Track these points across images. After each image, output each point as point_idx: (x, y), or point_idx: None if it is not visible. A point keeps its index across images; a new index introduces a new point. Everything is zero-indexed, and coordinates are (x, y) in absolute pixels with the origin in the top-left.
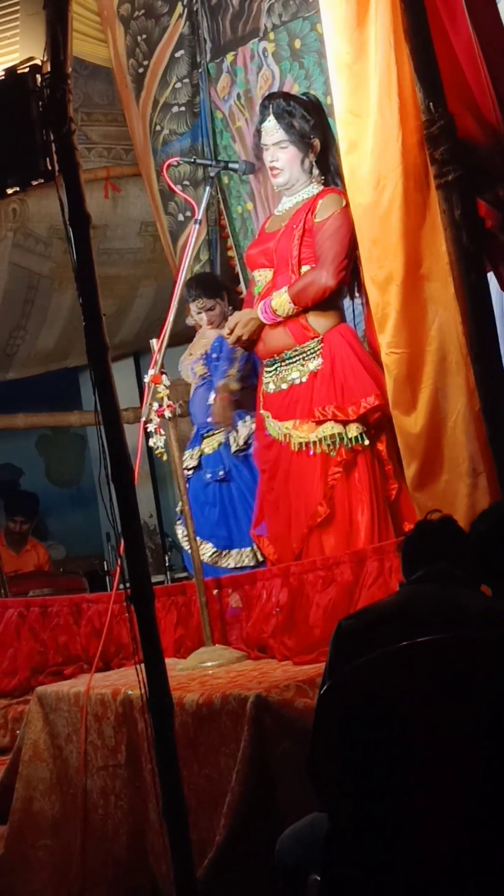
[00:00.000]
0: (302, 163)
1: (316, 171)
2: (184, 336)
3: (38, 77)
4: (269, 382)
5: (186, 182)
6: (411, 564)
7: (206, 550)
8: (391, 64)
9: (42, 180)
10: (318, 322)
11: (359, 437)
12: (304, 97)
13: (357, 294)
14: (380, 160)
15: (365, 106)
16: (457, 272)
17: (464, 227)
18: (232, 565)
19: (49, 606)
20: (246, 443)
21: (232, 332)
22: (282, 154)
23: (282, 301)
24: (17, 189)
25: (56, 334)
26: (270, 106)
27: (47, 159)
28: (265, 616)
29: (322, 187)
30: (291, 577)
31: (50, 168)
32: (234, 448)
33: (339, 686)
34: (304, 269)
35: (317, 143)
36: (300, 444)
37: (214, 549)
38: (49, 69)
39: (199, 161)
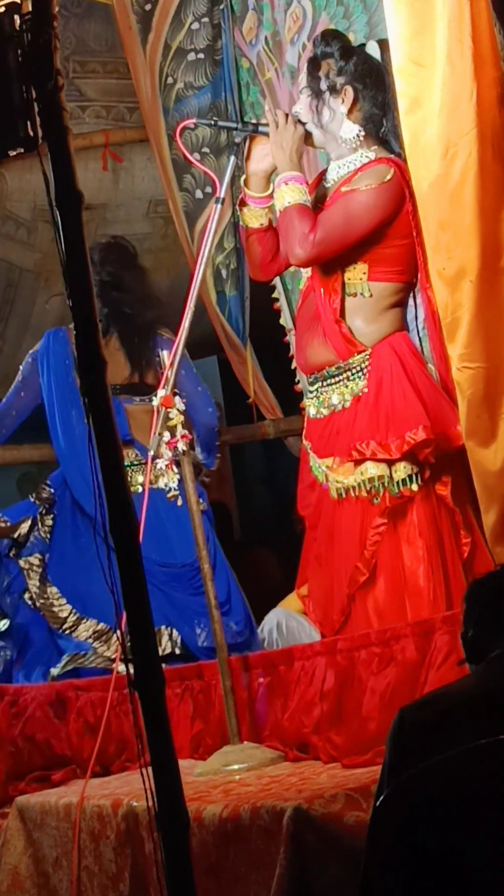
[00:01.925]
0: (318, 113)
1: (354, 131)
2: (205, 346)
3: (17, 18)
4: (311, 406)
5: (206, 150)
6: (487, 630)
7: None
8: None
9: (22, 150)
10: (367, 330)
11: (407, 479)
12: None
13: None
14: (449, 122)
15: (430, 53)
16: None
17: None
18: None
19: (21, 696)
20: None
21: None
22: (303, 101)
23: (281, 198)
24: None
25: None
26: (313, 46)
27: (28, 123)
28: (306, 705)
29: (375, 156)
30: (339, 655)
31: (32, 134)
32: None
33: (401, 794)
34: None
35: (348, 91)
36: (338, 489)
37: None
38: (30, 8)
39: (221, 123)
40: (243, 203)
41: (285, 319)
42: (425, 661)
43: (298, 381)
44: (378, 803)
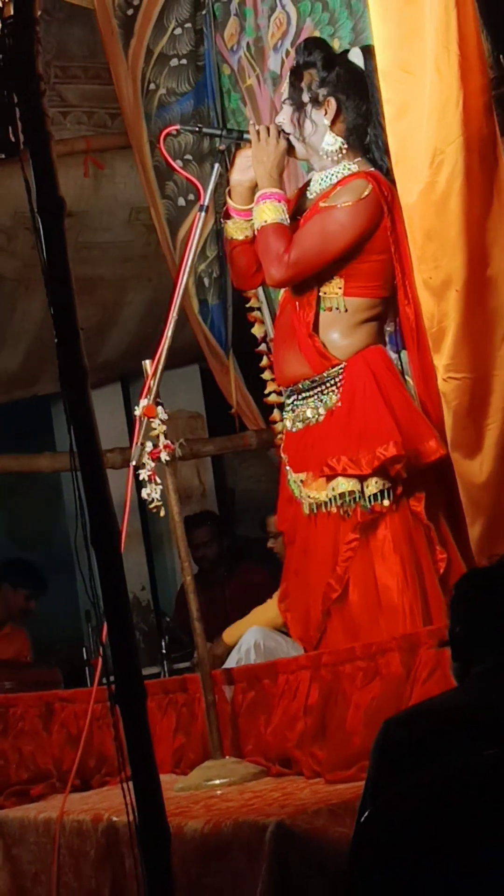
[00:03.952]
0: (299, 126)
1: (337, 143)
2: (187, 355)
3: None
4: (287, 419)
5: (189, 157)
6: (474, 634)
7: None
8: (449, 5)
9: (3, 156)
10: (341, 344)
11: (379, 494)
12: (329, 48)
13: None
14: (436, 130)
15: (418, 60)
16: None
17: None
18: None
19: (11, 707)
20: None
21: None
22: (285, 112)
23: (260, 216)
24: None
25: (22, 353)
26: (296, 55)
27: (9, 129)
28: (289, 720)
29: (357, 169)
30: (323, 670)
31: (13, 140)
32: None
33: (387, 811)
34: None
35: (330, 102)
36: (310, 505)
37: None
38: (12, 12)
39: (205, 130)
40: (227, 215)
41: (265, 328)
42: (410, 676)
43: (269, 394)
44: (362, 820)
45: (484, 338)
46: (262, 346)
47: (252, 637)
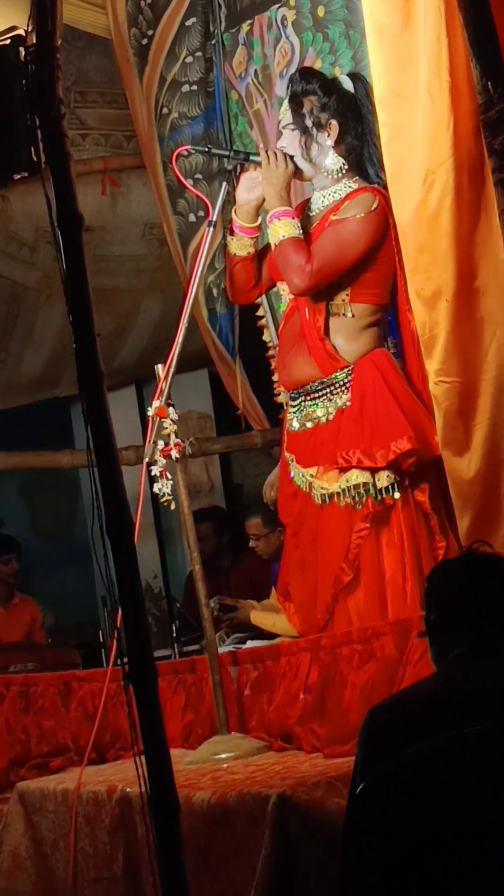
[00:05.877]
0: (307, 149)
1: (339, 163)
2: (197, 360)
3: (22, 51)
4: (293, 419)
5: (199, 176)
6: (450, 619)
7: None
8: (441, 35)
9: (26, 174)
10: (348, 348)
11: (390, 487)
12: (326, 75)
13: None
14: (428, 151)
15: (412, 86)
16: None
17: None
18: None
19: (32, 686)
20: None
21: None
22: (287, 137)
23: (276, 233)
24: None
25: (44, 357)
26: (290, 84)
27: (32, 149)
28: (290, 698)
29: (357, 186)
30: (322, 652)
31: (35, 159)
32: None
33: (377, 785)
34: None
35: (332, 124)
36: (322, 495)
37: None
38: (34, 41)
39: (214, 151)
40: (231, 231)
41: (270, 336)
42: (403, 658)
43: (279, 393)
44: (356, 793)
45: (472, 344)
46: (271, 352)
47: None
